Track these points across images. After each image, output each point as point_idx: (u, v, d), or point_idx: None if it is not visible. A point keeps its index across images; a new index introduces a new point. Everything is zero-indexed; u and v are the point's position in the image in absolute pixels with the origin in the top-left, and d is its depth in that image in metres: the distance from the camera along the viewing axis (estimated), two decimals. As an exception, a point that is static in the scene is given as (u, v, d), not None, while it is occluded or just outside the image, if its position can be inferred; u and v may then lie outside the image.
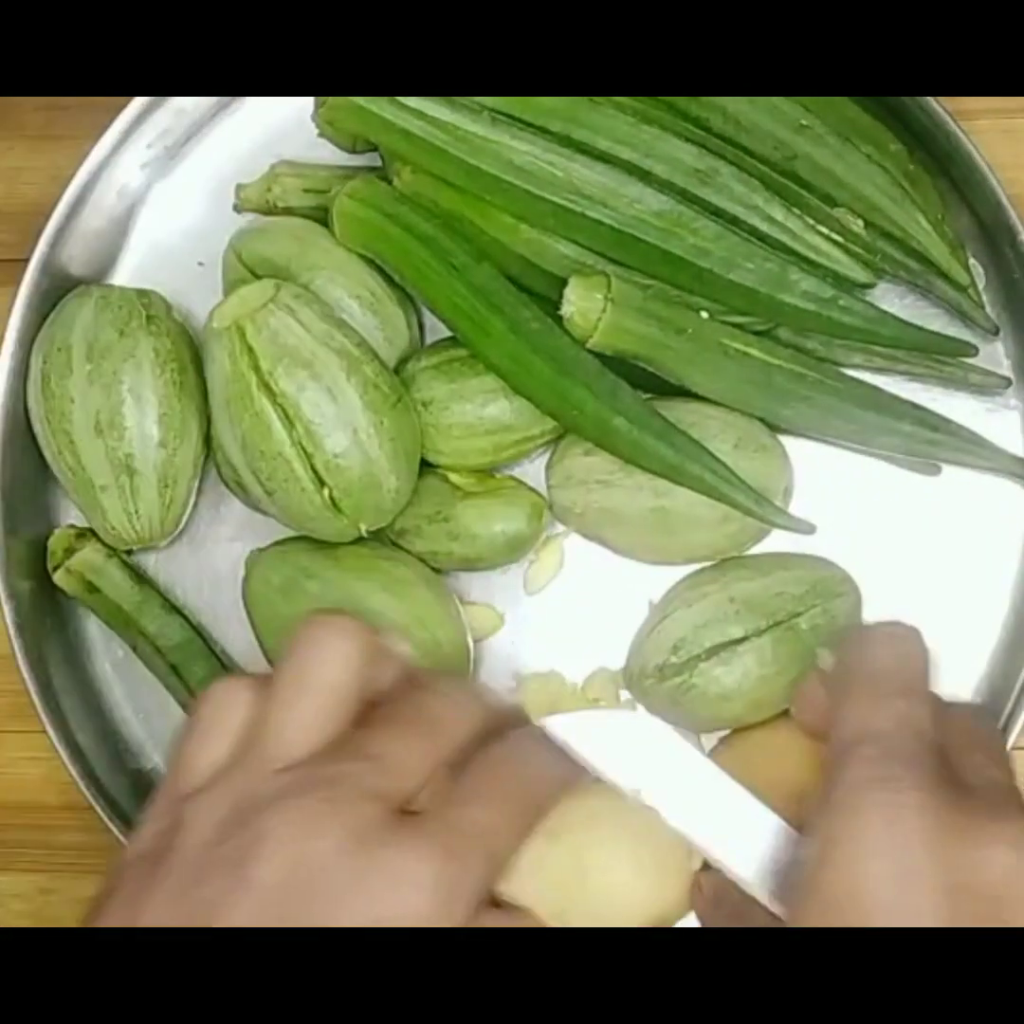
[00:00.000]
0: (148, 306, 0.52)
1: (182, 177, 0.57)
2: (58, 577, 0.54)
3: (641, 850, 0.39)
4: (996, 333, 0.52)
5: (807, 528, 0.51)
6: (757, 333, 0.51)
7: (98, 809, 0.51)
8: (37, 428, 0.53)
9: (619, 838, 0.39)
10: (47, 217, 0.54)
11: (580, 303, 0.49)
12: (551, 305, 0.50)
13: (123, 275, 0.57)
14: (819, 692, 0.41)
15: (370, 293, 0.52)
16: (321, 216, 0.53)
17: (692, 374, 0.50)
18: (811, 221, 0.51)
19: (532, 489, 0.53)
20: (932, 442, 0.51)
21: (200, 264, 0.55)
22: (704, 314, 0.50)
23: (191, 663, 0.54)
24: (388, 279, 0.53)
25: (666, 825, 0.36)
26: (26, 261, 0.53)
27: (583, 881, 0.38)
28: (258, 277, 0.51)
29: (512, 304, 0.50)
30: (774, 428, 0.51)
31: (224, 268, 0.54)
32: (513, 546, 0.52)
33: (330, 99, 0.50)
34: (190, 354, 0.53)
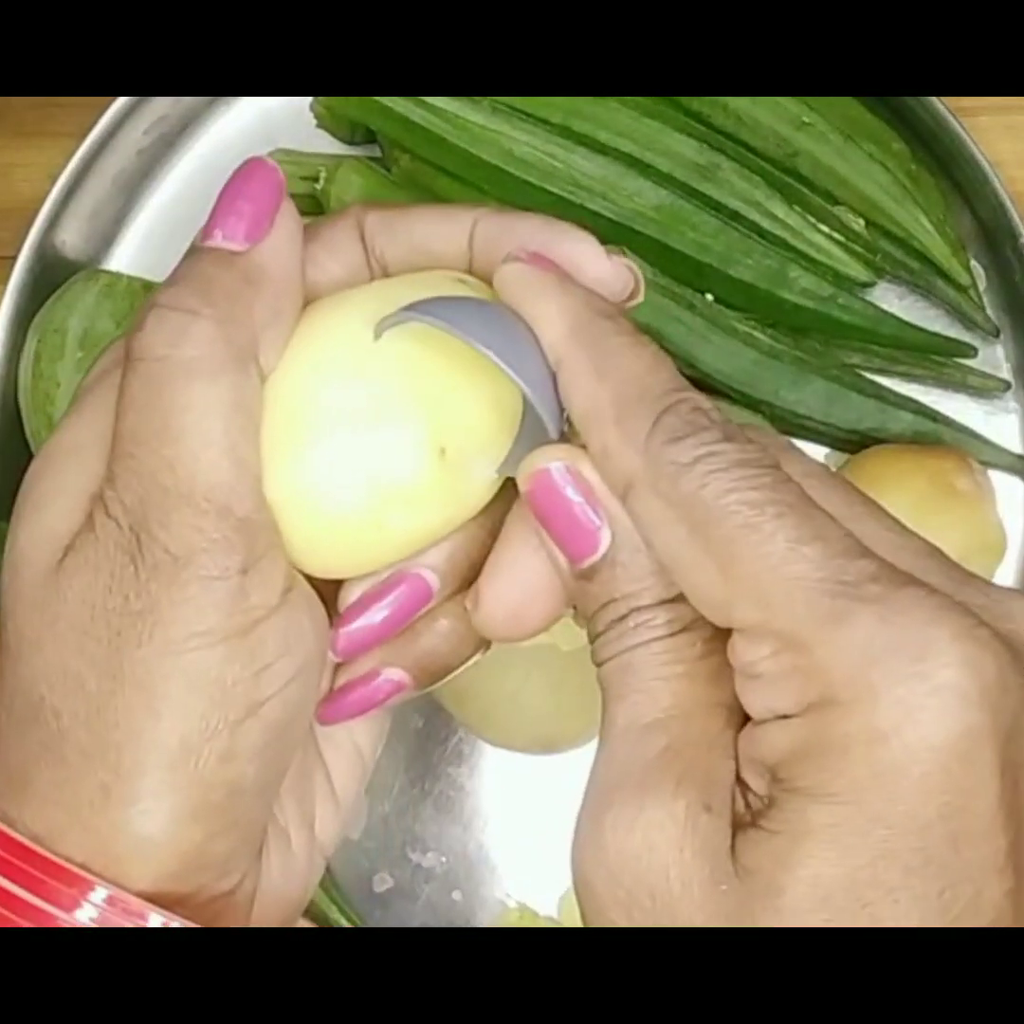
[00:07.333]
0: None
1: (178, 164, 0.56)
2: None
3: None
4: (996, 335, 0.52)
5: None
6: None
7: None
8: (22, 403, 0.52)
9: None
10: (42, 201, 0.53)
11: None
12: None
13: (118, 261, 0.56)
14: None
15: None
16: (316, 207, 0.53)
17: (701, 352, 0.50)
18: (812, 219, 0.51)
19: None
20: (932, 433, 0.51)
21: (195, 252, 0.55)
22: (709, 297, 0.50)
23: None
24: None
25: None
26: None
27: None
28: None
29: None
30: (778, 422, 0.51)
31: None
32: None
33: (329, 85, 0.50)
34: None
